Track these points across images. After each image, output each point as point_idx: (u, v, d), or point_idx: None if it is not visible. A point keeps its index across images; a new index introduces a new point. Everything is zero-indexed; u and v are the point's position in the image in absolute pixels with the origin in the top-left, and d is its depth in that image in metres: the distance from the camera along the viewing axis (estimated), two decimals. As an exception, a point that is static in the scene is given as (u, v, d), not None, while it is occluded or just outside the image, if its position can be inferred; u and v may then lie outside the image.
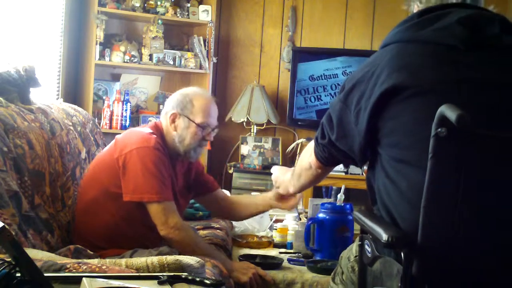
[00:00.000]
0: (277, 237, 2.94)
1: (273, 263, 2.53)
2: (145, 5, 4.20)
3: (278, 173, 2.33)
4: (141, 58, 4.19)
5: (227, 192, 2.96)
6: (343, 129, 1.58)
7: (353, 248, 1.78)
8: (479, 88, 1.42)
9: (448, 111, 1.25)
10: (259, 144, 4.51)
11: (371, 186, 1.59)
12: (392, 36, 1.57)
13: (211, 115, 2.42)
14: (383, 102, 1.45)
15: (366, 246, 1.57)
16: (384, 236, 1.35)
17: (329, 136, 1.64)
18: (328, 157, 1.72)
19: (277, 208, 2.65)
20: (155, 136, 2.31)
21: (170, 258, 1.72)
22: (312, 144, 1.79)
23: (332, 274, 1.91)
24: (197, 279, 1.46)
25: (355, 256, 1.74)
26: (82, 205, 2.33)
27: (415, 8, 1.64)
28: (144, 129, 2.38)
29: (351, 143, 1.57)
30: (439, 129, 1.27)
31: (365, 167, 1.67)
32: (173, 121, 2.37)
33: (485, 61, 1.46)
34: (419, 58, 1.47)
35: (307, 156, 1.85)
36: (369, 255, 1.56)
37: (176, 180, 2.42)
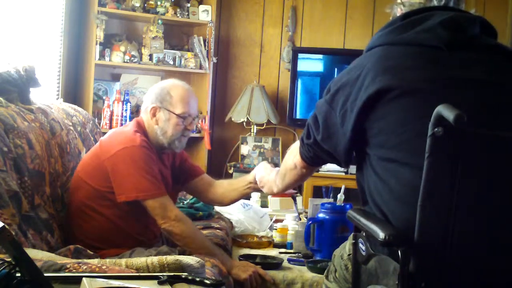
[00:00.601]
0: (277, 237, 2.94)
1: (273, 263, 2.53)
2: (145, 5, 4.20)
3: (263, 172, 2.36)
4: (141, 58, 4.19)
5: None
6: (328, 130, 1.61)
7: (346, 246, 1.80)
8: (464, 88, 1.44)
9: (445, 111, 1.26)
10: (259, 144, 4.51)
11: (362, 186, 1.61)
12: (376, 40, 1.60)
13: (190, 104, 2.42)
14: (370, 105, 1.47)
15: (360, 245, 1.58)
16: (381, 235, 1.36)
17: (315, 137, 1.66)
18: (313, 157, 1.74)
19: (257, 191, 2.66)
20: (139, 134, 2.32)
21: (170, 258, 1.72)
22: (297, 144, 1.82)
23: (325, 272, 1.92)
24: (197, 279, 1.46)
25: (348, 255, 1.75)
26: (73, 209, 2.32)
27: (398, 11, 1.68)
28: (127, 128, 2.38)
29: (336, 144, 1.60)
30: (436, 129, 1.28)
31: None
32: (153, 115, 2.37)
33: (468, 61, 1.48)
34: (403, 60, 1.50)
35: (292, 157, 1.87)
36: (364, 253, 1.57)
37: (166, 173, 2.43)
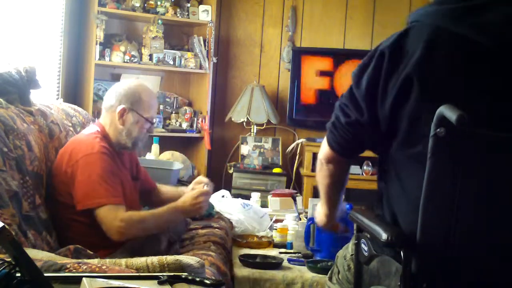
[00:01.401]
0: (277, 237, 2.94)
1: (273, 263, 2.53)
2: (145, 5, 4.20)
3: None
4: (141, 58, 4.19)
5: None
6: (368, 93, 1.49)
7: (349, 247, 1.79)
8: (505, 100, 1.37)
9: (448, 111, 1.26)
10: (259, 144, 4.51)
11: (379, 183, 1.59)
12: (425, 14, 1.45)
13: (155, 108, 2.49)
14: (405, 90, 1.40)
15: (363, 245, 1.58)
16: (384, 235, 1.36)
17: (356, 102, 1.52)
18: (348, 139, 1.57)
19: None
20: (98, 139, 2.31)
21: (170, 258, 1.72)
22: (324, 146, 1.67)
23: (328, 273, 1.92)
24: (197, 279, 1.46)
25: (351, 255, 1.74)
26: (56, 218, 2.28)
27: None
28: (84, 135, 2.38)
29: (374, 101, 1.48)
30: (438, 129, 1.28)
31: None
32: (121, 115, 2.37)
33: None
34: (449, 63, 1.39)
35: (318, 161, 1.74)
36: (366, 253, 1.57)
37: (126, 175, 2.44)
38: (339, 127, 1.57)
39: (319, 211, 1.93)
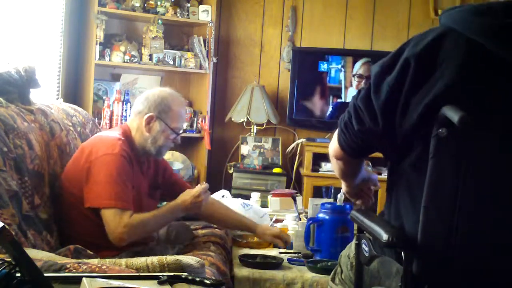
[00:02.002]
0: (277, 237, 2.94)
1: (273, 263, 2.53)
2: (145, 5, 4.20)
3: None
4: (141, 58, 4.18)
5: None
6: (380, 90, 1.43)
7: (352, 245, 1.78)
8: None
9: (450, 112, 1.25)
10: (259, 144, 4.51)
11: (389, 181, 1.57)
12: (462, 22, 1.34)
13: (183, 119, 2.49)
14: (433, 109, 1.32)
15: (364, 246, 1.57)
16: (385, 236, 1.35)
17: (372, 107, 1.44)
18: (358, 144, 1.52)
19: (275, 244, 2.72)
20: (121, 141, 2.31)
21: (170, 258, 1.72)
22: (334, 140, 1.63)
23: (331, 274, 1.91)
24: (197, 279, 1.46)
25: (354, 254, 1.74)
26: (63, 212, 2.30)
27: None
28: (112, 133, 2.39)
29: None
30: (440, 130, 1.27)
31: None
32: (148, 123, 2.38)
33: None
34: (485, 88, 1.32)
35: (330, 156, 1.69)
36: (367, 254, 1.56)
37: (142, 182, 2.43)
38: (351, 131, 1.51)
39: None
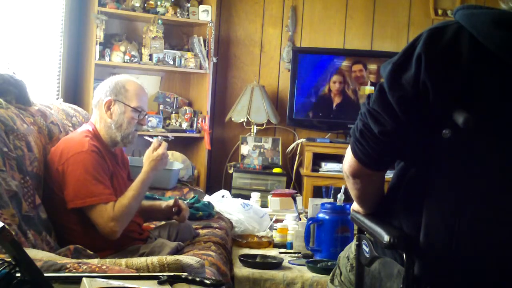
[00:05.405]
0: (277, 237, 2.94)
1: (273, 263, 2.53)
2: (145, 5, 4.20)
3: None
4: (141, 58, 4.19)
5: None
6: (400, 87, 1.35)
7: (352, 246, 1.77)
8: None
9: (455, 113, 1.25)
10: (259, 144, 4.51)
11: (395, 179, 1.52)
12: (479, 19, 1.29)
13: (143, 100, 2.45)
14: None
15: (364, 247, 1.57)
16: (386, 237, 1.34)
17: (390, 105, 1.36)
18: (380, 152, 1.40)
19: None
20: (88, 137, 2.31)
21: (170, 258, 1.72)
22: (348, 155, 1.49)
23: (330, 276, 1.90)
24: (197, 279, 1.45)
25: (355, 255, 1.73)
26: (56, 220, 2.27)
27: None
28: (76, 134, 2.39)
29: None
30: (444, 131, 1.27)
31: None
32: (108, 108, 2.38)
33: None
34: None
35: (344, 176, 1.56)
36: (367, 255, 1.55)
37: (121, 171, 2.44)
38: (369, 138, 1.38)
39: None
